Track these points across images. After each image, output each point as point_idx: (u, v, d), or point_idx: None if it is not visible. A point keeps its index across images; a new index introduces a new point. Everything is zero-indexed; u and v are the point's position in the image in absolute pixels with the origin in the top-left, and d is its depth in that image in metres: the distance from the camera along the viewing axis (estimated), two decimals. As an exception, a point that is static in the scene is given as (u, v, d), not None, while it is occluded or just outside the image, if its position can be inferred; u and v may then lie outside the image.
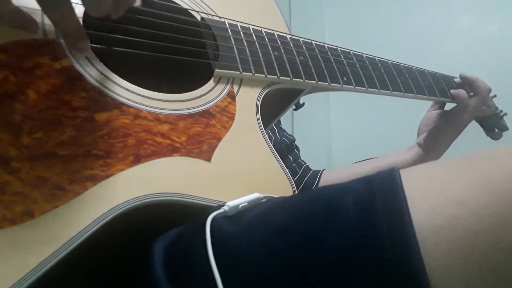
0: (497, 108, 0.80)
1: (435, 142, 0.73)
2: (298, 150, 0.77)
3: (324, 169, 0.75)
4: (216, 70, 0.42)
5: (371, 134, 1.47)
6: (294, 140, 0.76)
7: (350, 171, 0.73)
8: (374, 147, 1.02)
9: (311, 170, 0.74)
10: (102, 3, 0.30)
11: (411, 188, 0.23)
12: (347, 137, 1.67)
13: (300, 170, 0.72)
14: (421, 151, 0.74)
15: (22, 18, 0.31)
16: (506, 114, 0.82)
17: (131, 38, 0.37)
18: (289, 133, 0.78)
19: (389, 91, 0.59)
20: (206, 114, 0.38)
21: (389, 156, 0.75)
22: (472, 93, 0.72)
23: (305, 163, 0.75)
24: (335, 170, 0.75)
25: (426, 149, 0.74)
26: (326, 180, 0.72)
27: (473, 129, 0.79)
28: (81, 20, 0.35)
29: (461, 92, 0.71)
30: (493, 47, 1.42)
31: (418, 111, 0.81)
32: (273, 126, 0.61)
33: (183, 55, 0.41)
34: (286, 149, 0.72)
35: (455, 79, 0.74)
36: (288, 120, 1.64)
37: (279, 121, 0.70)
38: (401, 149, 0.77)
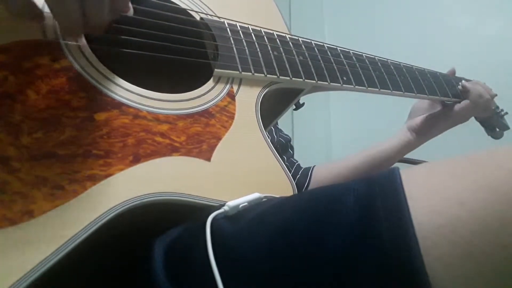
0: (497, 107, 0.80)
1: (430, 129, 0.72)
2: (292, 149, 0.77)
3: (314, 166, 0.74)
4: (215, 70, 0.42)
5: (371, 134, 1.47)
6: (289, 140, 0.76)
7: (341, 165, 0.72)
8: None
9: (302, 167, 0.74)
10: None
11: (412, 187, 0.23)
12: (347, 137, 1.67)
13: (292, 169, 0.72)
14: (411, 136, 0.72)
15: (32, 8, 0.31)
16: (507, 113, 0.82)
17: (130, 38, 0.37)
18: (289, 133, 0.77)
19: (389, 91, 0.59)
20: (205, 113, 0.38)
21: (377, 144, 0.73)
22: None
23: (297, 162, 0.75)
24: (326, 165, 0.74)
25: (419, 134, 0.72)
26: (318, 176, 0.71)
27: (473, 128, 0.79)
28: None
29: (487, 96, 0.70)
30: (493, 47, 1.42)
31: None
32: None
33: (182, 55, 0.41)
34: (280, 148, 0.72)
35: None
36: (288, 120, 1.64)
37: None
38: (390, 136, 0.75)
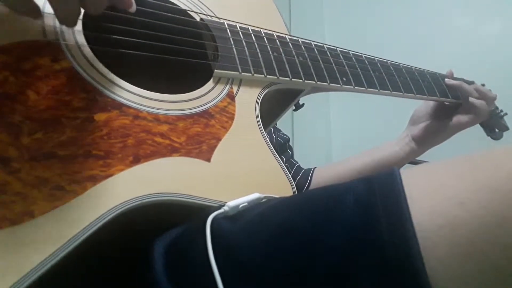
0: (497, 108, 0.80)
1: (432, 140, 0.72)
2: (292, 150, 0.76)
3: (315, 167, 0.74)
4: (215, 70, 0.42)
5: (371, 134, 1.47)
6: (288, 140, 0.75)
7: (342, 167, 0.72)
8: (374, 147, 1.02)
9: (303, 169, 0.74)
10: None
11: (411, 188, 0.23)
12: (347, 137, 1.67)
13: (292, 170, 0.72)
14: (415, 145, 0.72)
15: (27, 3, 0.31)
16: (506, 114, 0.82)
17: (131, 39, 0.37)
18: (289, 133, 0.77)
19: (389, 91, 0.59)
20: (205, 114, 0.38)
21: (379, 148, 0.73)
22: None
23: (297, 163, 0.75)
24: (328, 167, 0.74)
25: (421, 143, 0.72)
26: (319, 177, 0.71)
27: (473, 129, 0.79)
28: (81, 22, 0.35)
29: (481, 102, 0.70)
30: (493, 47, 1.42)
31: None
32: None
33: (182, 56, 0.41)
34: (279, 149, 0.72)
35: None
36: (288, 120, 1.64)
37: (274, 121, 0.69)
38: (391, 141, 0.74)
